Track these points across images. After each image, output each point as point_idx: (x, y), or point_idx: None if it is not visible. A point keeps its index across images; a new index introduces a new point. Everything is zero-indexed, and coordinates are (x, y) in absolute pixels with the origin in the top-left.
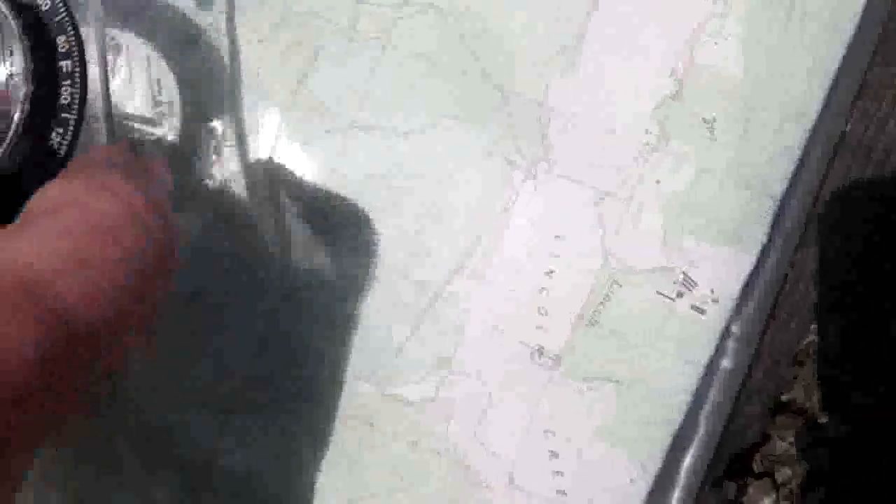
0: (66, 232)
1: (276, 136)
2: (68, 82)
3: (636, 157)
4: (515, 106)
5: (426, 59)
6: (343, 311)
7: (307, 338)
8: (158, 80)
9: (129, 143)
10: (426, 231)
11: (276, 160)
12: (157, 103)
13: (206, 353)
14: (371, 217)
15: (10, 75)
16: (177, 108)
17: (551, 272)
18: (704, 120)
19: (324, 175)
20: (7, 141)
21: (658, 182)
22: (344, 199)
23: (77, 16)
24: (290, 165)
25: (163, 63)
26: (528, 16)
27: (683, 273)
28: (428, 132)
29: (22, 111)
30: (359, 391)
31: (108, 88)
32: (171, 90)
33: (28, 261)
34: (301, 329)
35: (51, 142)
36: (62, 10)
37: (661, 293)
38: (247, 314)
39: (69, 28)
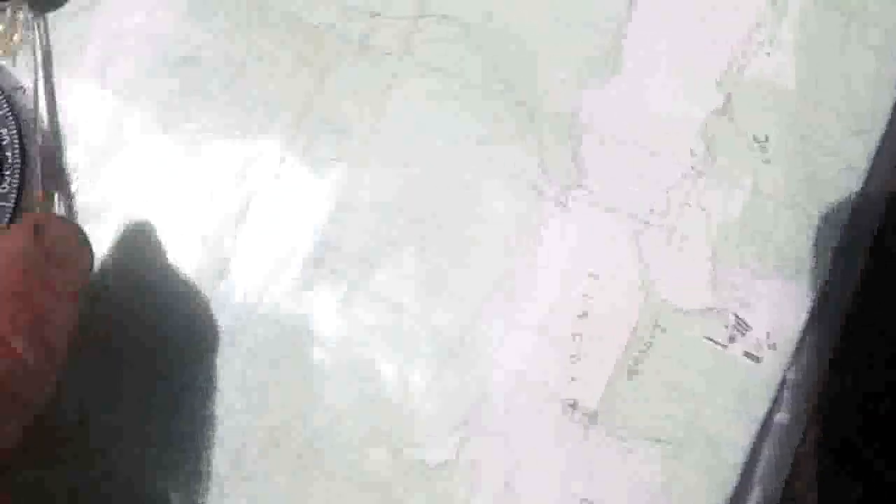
0: None
1: (279, 163)
2: (9, 172)
3: (680, 182)
4: (543, 124)
5: (445, 75)
6: (350, 361)
7: (308, 393)
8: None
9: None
10: (445, 268)
11: (278, 193)
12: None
13: (197, 418)
14: (384, 253)
15: None
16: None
17: (585, 314)
18: (756, 138)
19: (332, 207)
20: None
21: (705, 210)
22: (354, 233)
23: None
24: (294, 195)
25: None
26: (557, 21)
27: (735, 315)
28: (447, 156)
29: None
30: (370, 454)
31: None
32: None
33: None
34: (301, 383)
35: None
36: (4, 105)
37: (710, 338)
38: (231, 367)
39: (11, 122)
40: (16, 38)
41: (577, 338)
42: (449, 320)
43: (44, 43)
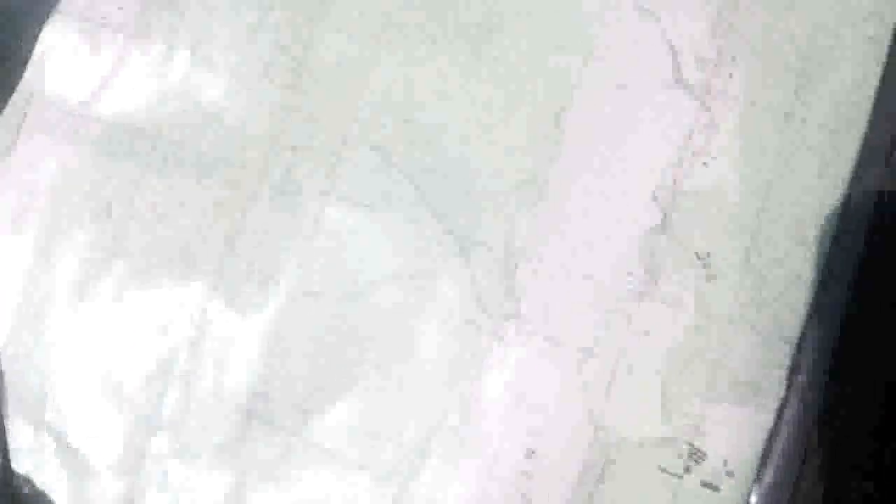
0: None
1: (203, 312)
2: None
3: (621, 306)
4: (476, 254)
5: (372, 209)
6: None
7: None
8: None
9: None
10: (383, 410)
11: (205, 339)
12: None
13: None
14: (318, 398)
15: None
16: None
17: (532, 452)
18: (698, 255)
19: (261, 354)
20: None
21: (649, 334)
22: (286, 380)
23: None
24: (220, 345)
25: None
26: (488, 143)
27: (689, 443)
28: (379, 293)
29: None
30: None
31: None
32: None
33: None
34: None
35: None
36: None
37: (665, 469)
38: None
39: None
40: None
41: (525, 476)
42: (391, 467)
43: None
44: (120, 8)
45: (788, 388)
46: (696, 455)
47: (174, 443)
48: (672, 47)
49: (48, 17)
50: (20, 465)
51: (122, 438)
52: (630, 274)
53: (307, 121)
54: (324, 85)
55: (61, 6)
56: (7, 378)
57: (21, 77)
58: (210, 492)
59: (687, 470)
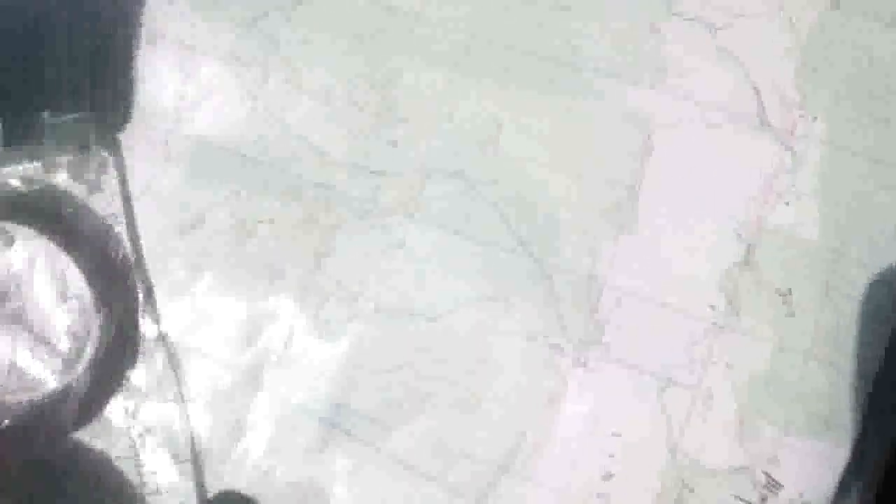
0: None
1: (290, 325)
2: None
3: (703, 337)
4: (558, 281)
5: (455, 233)
6: None
7: None
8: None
9: None
10: (460, 427)
11: (290, 354)
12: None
13: None
14: (396, 413)
15: None
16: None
17: (610, 475)
18: (779, 291)
19: (344, 368)
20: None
21: (729, 366)
22: (367, 394)
23: None
24: (305, 357)
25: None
26: (570, 177)
27: (766, 473)
28: (459, 314)
29: None
30: None
31: None
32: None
33: None
34: None
35: None
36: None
37: (740, 498)
38: None
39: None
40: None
41: (602, 498)
42: (466, 482)
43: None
44: (216, 35)
45: (865, 423)
46: (773, 485)
47: (255, 450)
48: (756, 89)
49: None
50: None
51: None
52: (712, 307)
53: (393, 146)
54: (409, 112)
55: (160, 30)
56: None
57: (120, 95)
58: (289, 497)
59: (763, 499)
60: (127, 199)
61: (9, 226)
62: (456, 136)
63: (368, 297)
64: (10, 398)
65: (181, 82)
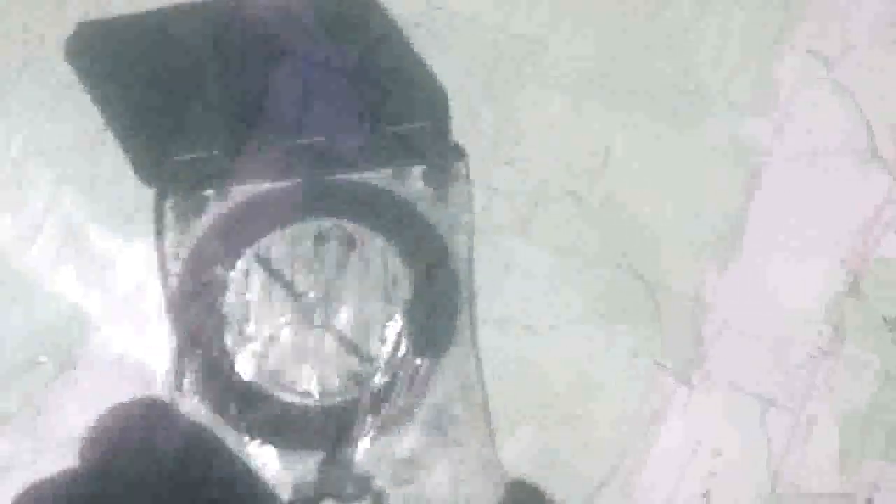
0: None
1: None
2: None
3: (807, 363)
4: (665, 302)
5: (565, 252)
6: None
7: None
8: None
9: None
10: (565, 441)
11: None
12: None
13: None
14: (502, 426)
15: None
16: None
17: (708, 493)
18: (885, 319)
19: (450, 378)
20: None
21: (833, 391)
22: (473, 405)
23: None
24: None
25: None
26: (679, 202)
27: (867, 501)
28: (566, 329)
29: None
30: None
31: None
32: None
33: None
34: None
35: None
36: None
37: None
38: None
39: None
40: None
41: None
42: (568, 495)
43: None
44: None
45: None
46: None
47: (365, 454)
48: (868, 121)
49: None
50: None
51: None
52: (818, 333)
53: (508, 164)
54: (527, 134)
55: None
56: None
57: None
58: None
59: None
60: (470, 210)
61: (351, 227)
62: (569, 158)
63: (478, 309)
64: None
65: None
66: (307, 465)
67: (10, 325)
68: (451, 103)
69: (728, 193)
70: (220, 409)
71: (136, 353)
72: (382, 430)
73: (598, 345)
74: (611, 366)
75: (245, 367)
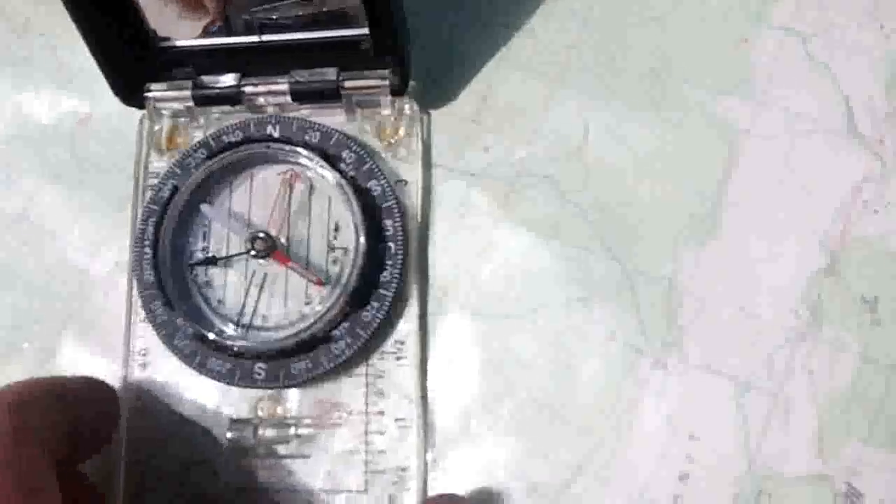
0: None
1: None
2: (391, 263)
3: (784, 345)
4: (641, 285)
5: (542, 235)
6: None
7: None
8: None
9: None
10: (542, 427)
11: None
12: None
13: None
14: (478, 410)
15: (333, 247)
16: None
17: (686, 476)
18: (865, 299)
19: (434, 362)
20: (329, 307)
21: (811, 374)
22: (453, 388)
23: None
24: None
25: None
26: (656, 184)
27: (847, 483)
28: (543, 314)
29: (348, 283)
30: None
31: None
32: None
33: None
34: None
35: (365, 314)
36: (391, 197)
37: None
38: None
39: (396, 214)
40: (400, 131)
41: (679, 500)
42: (545, 479)
43: (425, 138)
44: None
45: None
46: (854, 495)
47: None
48: (846, 98)
49: None
50: None
51: None
52: (795, 313)
53: (486, 150)
54: (503, 119)
55: None
56: None
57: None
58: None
59: None
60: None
61: (297, 168)
62: (546, 143)
63: (456, 294)
64: None
65: None
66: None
67: None
68: (429, 90)
69: (705, 175)
70: (171, 341)
71: (116, 337)
72: (315, 376)
73: (574, 329)
74: (587, 350)
75: (196, 303)
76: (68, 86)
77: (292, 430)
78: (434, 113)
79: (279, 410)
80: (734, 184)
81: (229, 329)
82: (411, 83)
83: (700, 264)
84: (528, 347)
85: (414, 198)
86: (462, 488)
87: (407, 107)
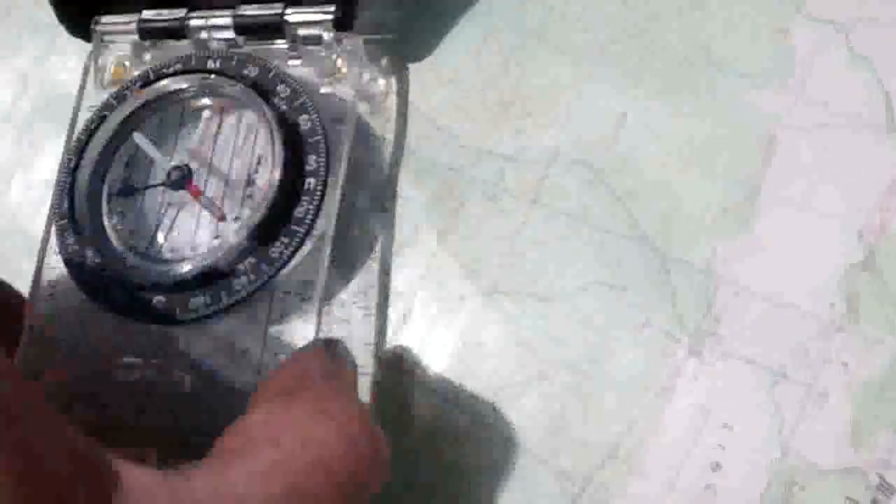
0: (285, 467)
1: (412, 298)
2: (308, 198)
3: (819, 336)
4: (676, 272)
5: (576, 219)
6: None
7: None
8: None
9: (325, 343)
10: (572, 410)
11: (408, 327)
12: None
13: None
14: (509, 393)
15: (252, 181)
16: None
17: (718, 465)
18: None
19: (460, 345)
20: (237, 241)
21: (846, 365)
22: (481, 371)
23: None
24: (422, 333)
25: None
26: (691, 171)
27: (879, 475)
28: (576, 298)
29: (261, 216)
30: None
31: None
32: None
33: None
34: None
35: (273, 251)
36: (319, 132)
37: (852, 499)
38: None
39: (322, 150)
40: (344, 69)
41: (710, 489)
42: (573, 465)
43: (400, 87)
44: None
45: None
46: (886, 488)
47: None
48: (886, 92)
49: None
50: None
51: None
52: (831, 305)
53: (520, 133)
54: (537, 102)
55: None
56: None
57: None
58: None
59: (874, 502)
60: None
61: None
62: (581, 126)
63: (487, 275)
64: None
65: None
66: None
67: None
68: (463, 73)
69: (741, 163)
70: (77, 271)
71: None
72: (213, 311)
73: (607, 314)
74: (620, 336)
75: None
76: None
77: (186, 369)
78: (464, 93)
79: (175, 347)
80: (771, 174)
81: (135, 260)
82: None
83: (736, 253)
84: (560, 331)
85: (351, 137)
86: (489, 472)
87: (347, 41)
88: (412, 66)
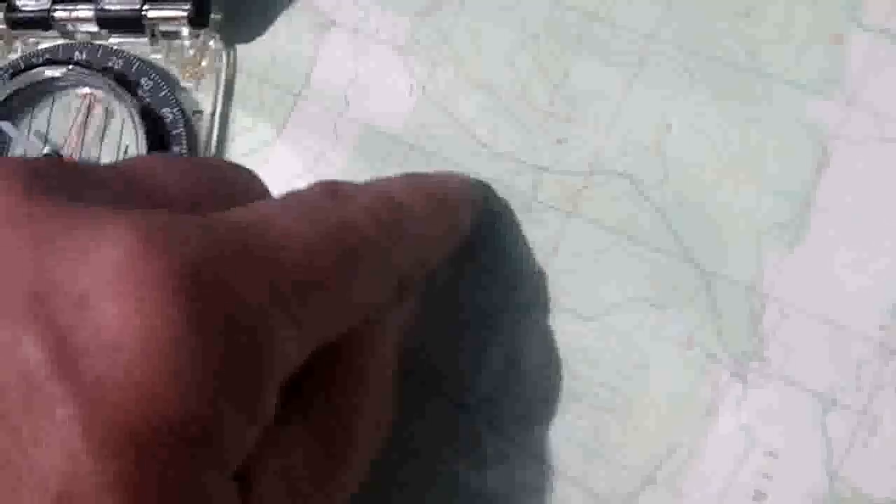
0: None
1: None
2: None
3: (872, 360)
4: (721, 290)
5: (616, 233)
6: None
7: None
8: None
9: None
10: (609, 431)
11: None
12: None
13: None
14: (544, 411)
15: None
16: None
17: (763, 495)
18: None
19: (499, 360)
20: None
21: None
22: (517, 387)
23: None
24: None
25: None
26: (738, 184)
27: None
28: (615, 315)
29: None
30: None
31: None
32: None
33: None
34: None
35: None
36: (181, 124)
37: None
38: None
39: (184, 141)
40: (203, 63)
41: None
42: (610, 489)
43: (229, 74)
44: (388, 25)
45: None
46: None
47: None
48: None
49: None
50: None
51: None
52: (883, 328)
53: (559, 142)
54: (578, 110)
55: (333, 18)
56: None
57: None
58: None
59: None
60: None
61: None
62: (624, 137)
63: (523, 290)
64: None
65: (352, 69)
66: None
67: None
68: (500, 77)
69: (791, 176)
70: None
71: None
72: None
73: (648, 332)
74: (661, 355)
75: None
76: None
77: None
78: (499, 100)
79: None
80: (822, 188)
81: None
82: (214, 17)
83: (784, 270)
84: (597, 349)
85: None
86: (521, 492)
87: (205, 38)
88: (444, 74)
